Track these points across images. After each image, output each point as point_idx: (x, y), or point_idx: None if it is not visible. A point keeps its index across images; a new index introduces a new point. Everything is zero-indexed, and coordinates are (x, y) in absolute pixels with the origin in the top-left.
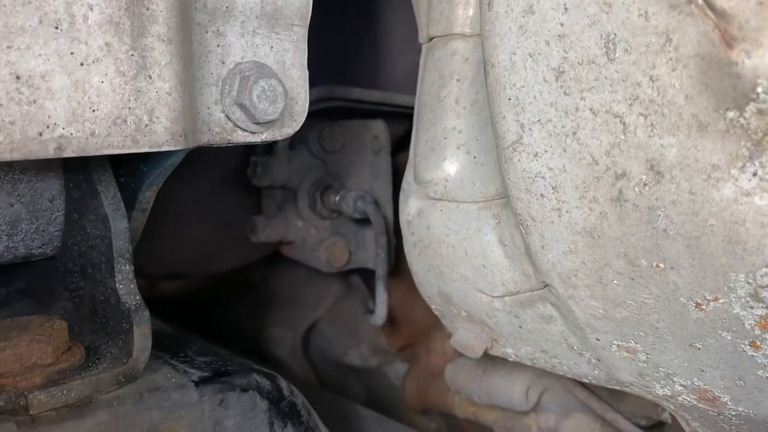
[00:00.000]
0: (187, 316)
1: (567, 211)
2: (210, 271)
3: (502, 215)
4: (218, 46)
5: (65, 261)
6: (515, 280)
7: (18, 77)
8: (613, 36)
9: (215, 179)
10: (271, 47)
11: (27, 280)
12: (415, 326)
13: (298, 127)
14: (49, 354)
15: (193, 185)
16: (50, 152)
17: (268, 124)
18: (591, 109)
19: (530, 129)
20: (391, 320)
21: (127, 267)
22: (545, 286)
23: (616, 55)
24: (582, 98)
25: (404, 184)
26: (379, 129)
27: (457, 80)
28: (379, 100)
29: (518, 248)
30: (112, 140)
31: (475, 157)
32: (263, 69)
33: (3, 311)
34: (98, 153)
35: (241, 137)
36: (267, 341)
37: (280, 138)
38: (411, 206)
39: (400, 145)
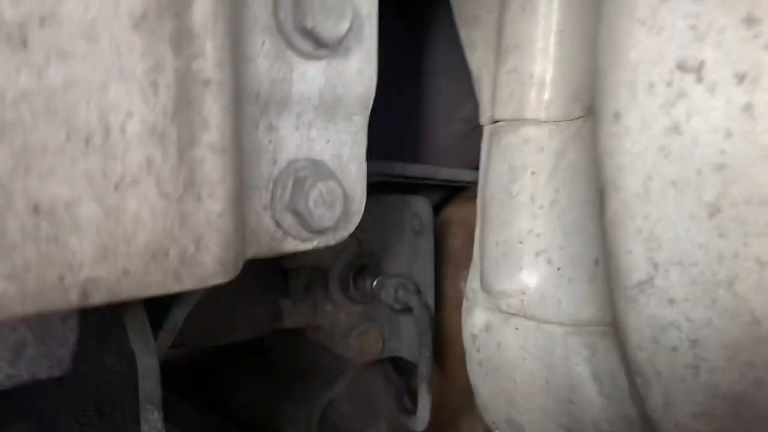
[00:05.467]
0: (195, 382)
1: (707, 371)
2: (221, 342)
3: (599, 346)
4: (270, 142)
5: (77, 389)
6: (611, 422)
7: (36, 209)
8: None
9: None
10: (328, 141)
11: (27, 397)
12: (444, 410)
13: (353, 230)
14: None
15: None
16: (73, 301)
17: (323, 230)
18: (757, 260)
19: (666, 270)
20: None
21: (155, 415)
22: None
23: None
24: (745, 244)
25: (468, 291)
26: (421, 207)
27: (532, 173)
28: (423, 175)
29: (620, 389)
30: (149, 279)
31: (559, 269)
32: (320, 168)
33: None
34: (133, 297)
35: (292, 246)
36: (280, 417)
37: (333, 243)
38: (477, 318)
39: (434, 212)
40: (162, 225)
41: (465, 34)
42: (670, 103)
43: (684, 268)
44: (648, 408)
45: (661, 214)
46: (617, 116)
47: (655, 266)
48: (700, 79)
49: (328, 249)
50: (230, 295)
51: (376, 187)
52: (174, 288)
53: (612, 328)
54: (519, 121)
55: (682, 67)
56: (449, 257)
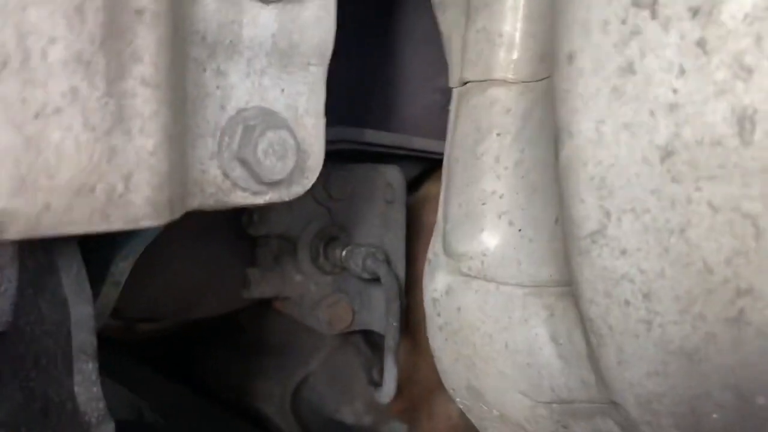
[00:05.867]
0: (170, 358)
1: (660, 326)
2: (193, 317)
3: (557, 307)
4: (218, 87)
5: (16, 342)
6: (570, 387)
7: None
8: (751, 112)
9: (204, 220)
10: (282, 90)
11: None
12: (418, 388)
13: (309, 186)
14: None
15: (180, 225)
16: None
17: (274, 183)
18: (710, 204)
19: (619, 219)
20: None
21: (90, 365)
22: (610, 401)
23: (755, 137)
24: (698, 188)
25: (430, 254)
26: (393, 176)
27: (498, 134)
28: (395, 144)
29: (577, 350)
30: (73, 216)
31: (520, 230)
32: (271, 117)
33: None
34: (54, 233)
35: (241, 199)
36: (252, 395)
37: (287, 199)
38: (438, 282)
39: (410, 188)
40: (88, 159)
41: None
42: (623, 42)
43: (636, 215)
44: (602, 368)
45: (614, 160)
46: (571, 58)
47: (608, 215)
48: (654, 15)
49: (297, 218)
50: (200, 267)
51: (347, 156)
52: (101, 227)
53: (570, 287)
54: (487, 82)
55: (636, 3)
56: (425, 234)
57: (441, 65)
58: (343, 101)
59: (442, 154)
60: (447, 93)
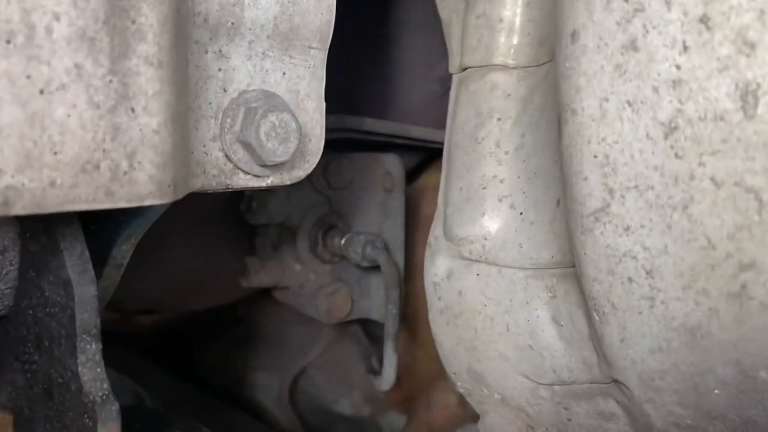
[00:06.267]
0: (170, 351)
1: (663, 302)
2: (192, 309)
3: (559, 289)
4: (220, 70)
5: (17, 325)
6: (571, 368)
7: None
8: (754, 87)
9: (203, 209)
10: (284, 73)
11: None
12: (416, 379)
13: (310, 170)
14: None
15: (179, 215)
16: None
17: (275, 166)
18: (713, 179)
19: (622, 196)
20: None
21: (93, 346)
22: (612, 381)
23: (758, 111)
24: (701, 164)
25: (431, 239)
26: (392, 164)
27: (498, 119)
28: (394, 133)
29: (579, 331)
30: (78, 192)
31: (521, 213)
32: (273, 100)
33: None
34: (59, 209)
35: (243, 181)
36: (250, 386)
37: (288, 183)
38: (439, 266)
39: (408, 179)
40: (92, 136)
41: None
42: (627, 19)
43: (640, 192)
44: (605, 346)
45: (617, 137)
46: (574, 36)
47: (611, 192)
48: None
49: (296, 206)
50: (198, 258)
51: (346, 144)
52: (106, 204)
53: (571, 268)
54: (487, 67)
55: None
56: (424, 224)
57: (438, 55)
58: (340, 91)
59: (440, 143)
60: (444, 82)
